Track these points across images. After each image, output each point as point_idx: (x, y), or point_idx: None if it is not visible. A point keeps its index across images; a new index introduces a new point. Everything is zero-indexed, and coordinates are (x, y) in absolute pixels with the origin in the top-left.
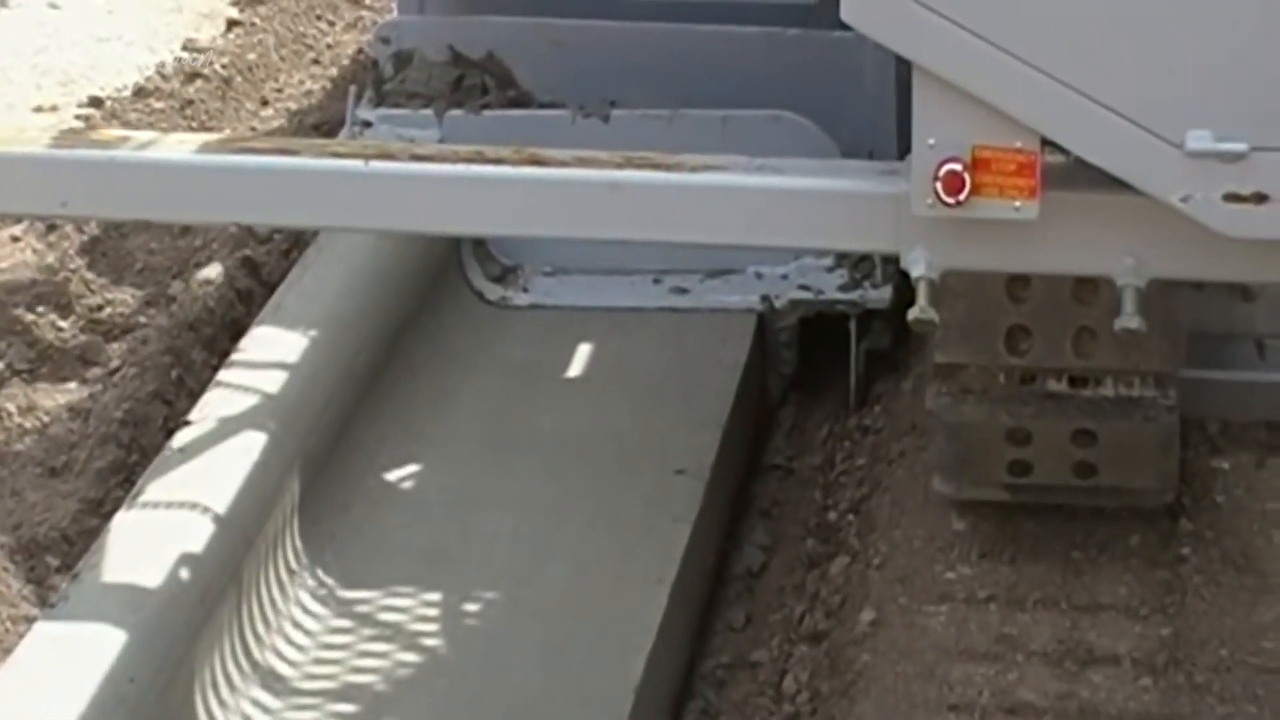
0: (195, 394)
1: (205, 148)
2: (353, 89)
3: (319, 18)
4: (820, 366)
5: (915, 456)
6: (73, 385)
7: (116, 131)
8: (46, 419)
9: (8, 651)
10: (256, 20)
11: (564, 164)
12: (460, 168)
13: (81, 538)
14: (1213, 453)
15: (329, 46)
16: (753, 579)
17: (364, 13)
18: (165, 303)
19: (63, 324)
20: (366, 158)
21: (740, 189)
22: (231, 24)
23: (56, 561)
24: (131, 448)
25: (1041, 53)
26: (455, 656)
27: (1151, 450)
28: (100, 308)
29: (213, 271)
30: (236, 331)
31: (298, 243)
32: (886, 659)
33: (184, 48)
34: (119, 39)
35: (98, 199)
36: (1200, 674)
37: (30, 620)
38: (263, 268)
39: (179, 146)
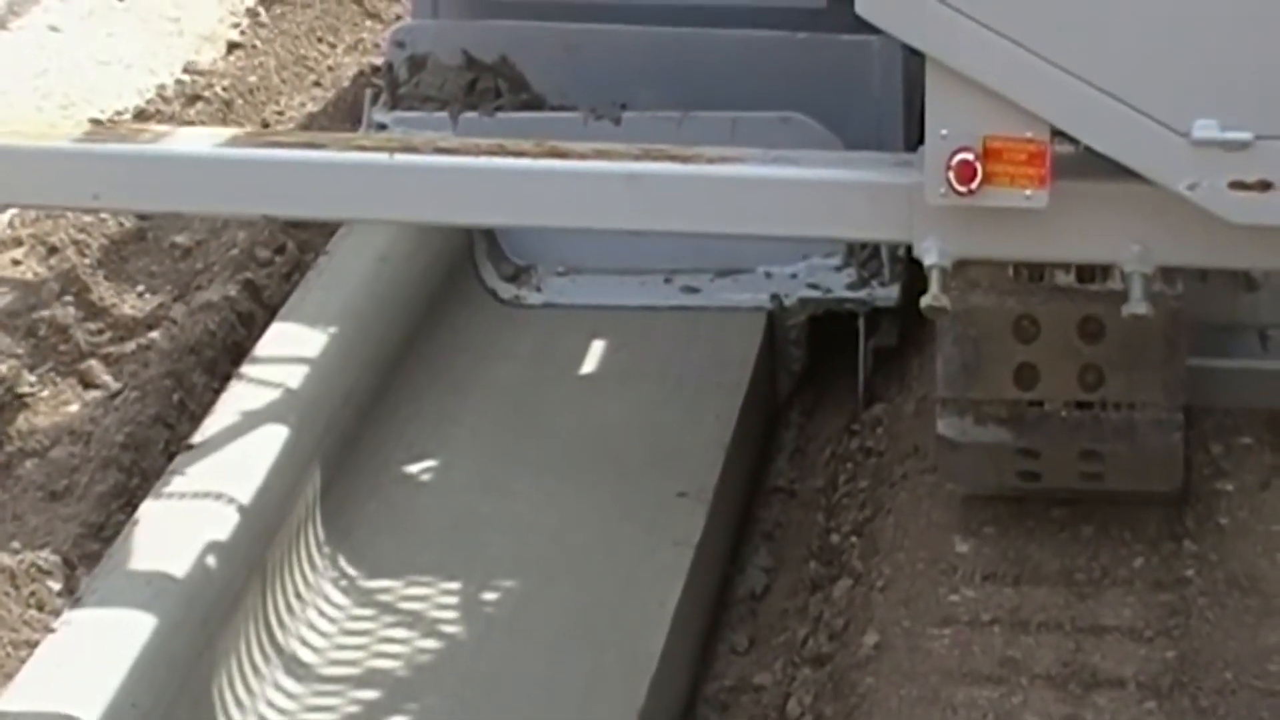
0: (197, 417)
1: (234, 141)
2: (369, 92)
3: (320, 40)
4: (825, 377)
5: (918, 479)
6: (74, 408)
7: (146, 126)
8: (47, 442)
9: (9, 676)
10: (257, 43)
11: (583, 156)
12: (482, 160)
13: (83, 562)
14: (1216, 475)
15: (330, 69)
16: (755, 602)
17: (364, 35)
18: (166, 325)
19: (64, 347)
20: (391, 150)
21: (756, 180)
22: (232, 46)
23: (58, 586)
24: (133, 471)
25: (1051, 44)
26: (455, 683)
27: (1158, 347)
28: (102, 331)
29: (215, 294)
30: (238, 355)
31: (299, 265)
32: (890, 682)
33: (185, 70)
34: (119, 61)
35: (129, 191)
36: (1205, 697)
37: (31, 645)
38: (264, 291)
39: (208, 140)
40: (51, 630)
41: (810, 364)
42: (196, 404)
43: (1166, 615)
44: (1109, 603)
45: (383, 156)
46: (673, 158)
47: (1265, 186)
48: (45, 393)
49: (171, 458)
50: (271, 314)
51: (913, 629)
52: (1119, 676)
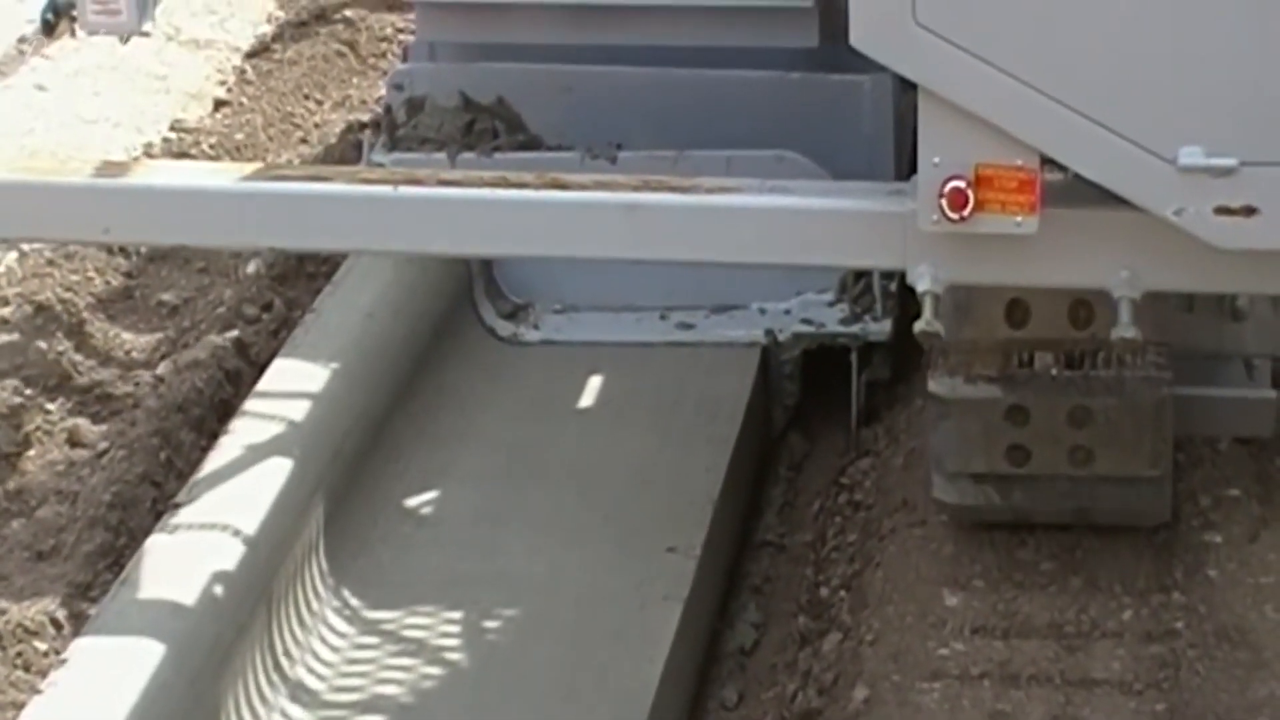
0: (184, 475)
1: (242, 176)
2: (367, 134)
3: (306, 97)
4: (814, 429)
5: (907, 533)
6: (61, 467)
7: (156, 162)
8: (34, 502)
9: None
10: (244, 100)
11: (583, 187)
12: (484, 191)
13: (70, 622)
14: (1205, 527)
15: (316, 125)
16: (745, 657)
17: (351, 91)
18: (153, 384)
19: (50, 406)
20: (395, 183)
21: (753, 209)
22: (219, 104)
23: (44, 646)
24: (120, 530)
25: (1041, 74)
26: None
27: None
28: (89, 389)
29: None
30: (225, 412)
31: (286, 322)
32: None
33: (171, 128)
34: (106, 120)
35: (139, 225)
36: None
37: (19, 706)
38: (251, 348)
39: (217, 175)
40: (61, 659)
41: (801, 410)
42: (184, 462)
43: (1156, 668)
44: (1098, 655)
45: (387, 189)
46: (671, 188)
47: (1250, 211)
48: (32, 451)
49: (159, 516)
50: (260, 371)
51: (902, 683)
52: None
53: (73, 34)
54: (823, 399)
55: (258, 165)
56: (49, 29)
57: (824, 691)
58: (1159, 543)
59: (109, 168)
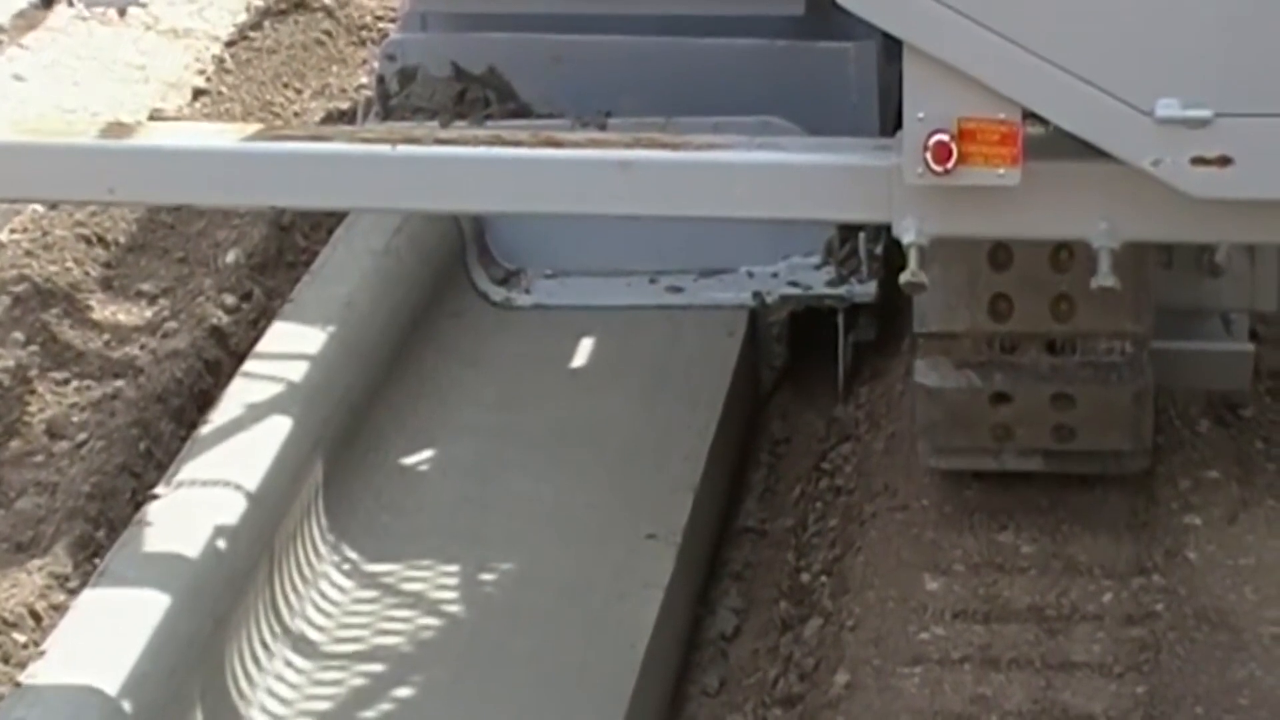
0: (164, 465)
1: (244, 136)
2: (361, 103)
3: (286, 85)
4: (795, 413)
5: (888, 517)
6: (40, 459)
7: (160, 123)
8: (13, 493)
9: None
10: (224, 89)
11: (578, 145)
12: (481, 150)
13: (49, 613)
14: (1185, 509)
15: (296, 114)
16: (726, 643)
17: (331, 80)
18: (132, 375)
19: (28, 397)
20: (394, 142)
21: (743, 164)
22: (198, 93)
23: (24, 638)
24: (99, 521)
25: (1021, 29)
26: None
27: None
28: (67, 380)
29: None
30: (204, 403)
31: (265, 312)
32: None
33: (150, 117)
34: (85, 109)
35: (143, 185)
36: None
37: None
38: (231, 338)
39: (220, 135)
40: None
41: (782, 394)
42: (164, 453)
43: (1136, 651)
44: (1079, 639)
45: (386, 148)
46: (663, 145)
47: (1225, 161)
48: (14, 443)
49: (138, 507)
50: (239, 361)
51: (883, 668)
52: (1089, 713)
53: (70, 4)
54: (804, 384)
55: (260, 125)
56: (48, 1)
57: (805, 677)
58: (1138, 525)
59: (113, 129)
